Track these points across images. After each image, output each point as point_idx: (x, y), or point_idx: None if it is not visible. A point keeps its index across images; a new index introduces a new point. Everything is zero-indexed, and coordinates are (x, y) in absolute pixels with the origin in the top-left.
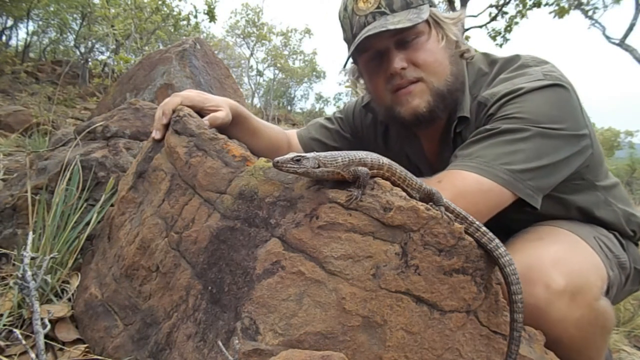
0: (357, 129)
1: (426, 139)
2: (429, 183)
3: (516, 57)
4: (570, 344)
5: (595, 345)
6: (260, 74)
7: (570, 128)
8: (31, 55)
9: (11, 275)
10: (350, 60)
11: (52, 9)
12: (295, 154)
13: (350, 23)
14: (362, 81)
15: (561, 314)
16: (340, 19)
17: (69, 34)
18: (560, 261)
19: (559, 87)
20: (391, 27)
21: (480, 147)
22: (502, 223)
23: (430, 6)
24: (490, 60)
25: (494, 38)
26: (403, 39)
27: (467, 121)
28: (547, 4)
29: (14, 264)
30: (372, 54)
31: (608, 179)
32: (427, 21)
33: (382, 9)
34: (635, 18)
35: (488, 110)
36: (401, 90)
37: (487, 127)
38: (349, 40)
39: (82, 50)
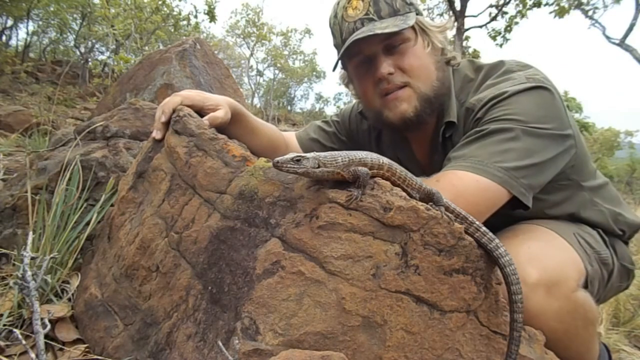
0: (353, 133)
1: (416, 143)
2: (427, 184)
3: (500, 63)
4: (553, 337)
5: (581, 338)
6: (260, 74)
7: (555, 128)
8: (31, 55)
9: (11, 275)
10: (340, 66)
11: (52, 9)
12: (295, 154)
13: (340, 29)
14: (351, 87)
15: (539, 307)
16: (330, 25)
17: (69, 34)
18: (534, 256)
19: (542, 89)
20: (379, 31)
21: (472, 148)
22: (490, 223)
23: (417, 14)
24: (476, 66)
25: (494, 38)
26: (390, 44)
27: (455, 126)
28: (547, 3)
29: (14, 264)
30: (361, 59)
31: (596, 179)
32: (413, 28)
33: (371, 16)
34: (635, 18)
35: (475, 115)
36: (389, 95)
37: (477, 129)
38: (338, 45)
39: (82, 50)
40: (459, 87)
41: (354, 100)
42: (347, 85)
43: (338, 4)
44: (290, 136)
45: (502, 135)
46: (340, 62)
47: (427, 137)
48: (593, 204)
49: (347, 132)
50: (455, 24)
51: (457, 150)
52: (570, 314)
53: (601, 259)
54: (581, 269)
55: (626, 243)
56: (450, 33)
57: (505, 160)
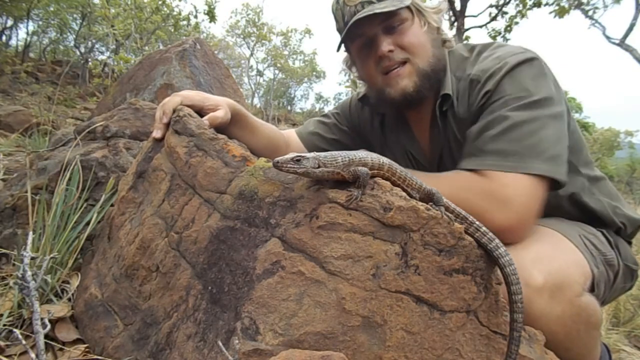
0: (355, 121)
1: (416, 124)
2: (480, 183)
3: (491, 43)
4: (554, 341)
5: (582, 342)
6: (260, 74)
7: (560, 99)
8: (31, 55)
9: (11, 275)
10: (343, 49)
11: (52, 9)
12: (295, 154)
13: (342, 13)
14: (354, 69)
15: (541, 310)
16: (333, 10)
17: (69, 34)
18: (540, 259)
19: (538, 60)
20: (378, 10)
21: (506, 142)
22: None
23: None
24: (470, 47)
25: (494, 38)
26: (390, 25)
27: (450, 99)
28: (547, 3)
29: (14, 264)
30: (362, 41)
31: (592, 170)
32: (410, 9)
33: None
34: (635, 18)
35: (483, 87)
36: (391, 72)
37: (500, 115)
38: (341, 29)
39: (82, 50)
40: (455, 66)
41: (353, 93)
42: (349, 68)
43: None
44: (290, 133)
45: (533, 125)
46: (343, 45)
47: (427, 116)
48: (591, 192)
49: (349, 121)
50: (455, 21)
51: (491, 144)
52: (573, 318)
53: (607, 261)
54: (587, 271)
55: (629, 243)
56: (451, 33)
57: (545, 151)
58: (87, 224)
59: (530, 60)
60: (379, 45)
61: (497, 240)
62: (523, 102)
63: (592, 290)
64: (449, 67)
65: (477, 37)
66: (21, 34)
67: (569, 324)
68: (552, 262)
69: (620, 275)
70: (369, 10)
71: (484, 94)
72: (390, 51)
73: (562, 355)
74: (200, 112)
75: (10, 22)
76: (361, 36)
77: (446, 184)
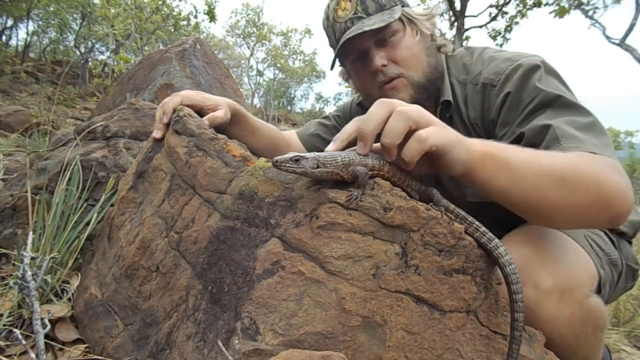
0: None
1: None
2: (619, 171)
3: (490, 48)
4: (562, 343)
5: (589, 344)
6: (260, 74)
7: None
8: (31, 55)
9: (11, 275)
10: (339, 64)
11: (52, 9)
12: (295, 154)
13: (333, 30)
14: (351, 81)
15: (551, 313)
16: (324, 27)
17: (69, 34)
18: (549, 261)
19: (547, 63)
20: (367, 28)
21: (581, 134)
22: (494, 215)
23: (403, 6)
24: (471, 51)
25: (494, 38)
26: (381, 38)
27: (451, 105)
28: (547, 3)
29: (14, 264)
30: (356, 55)
31: None
32: (401, 20)
33: (359, 14)
34: (635, 18)
35: (501, 90)
36: (386, 85)
37: (558, 109)
38: (334, 45)
39: (82, 50)
40: (457, 70)
41: (354, 96)
42: (347, 80)
43: (328, 6)
44: (291, 134)
45: (583, 119)
46: (338, 60)
47: None
48: None
49: None
50: (455, 21)
51: (581, 132)
52: (581, 320)
53: (611, 261)
54: (594, 273)
55: (630, 243)
56: (451, 33)
57: (608, 145)
58: (87, 224)
59: (542, 63)
60: (372, 60)
61: (496, 240)
62: (553, 93)
63: (598, 291)
64: (447, 73)
65: (477, 37)
66: (21, 34)
67: (578, 327)
68: (561, 263)
69: (623, 276)
70: (358, 28)
71: (505, 96)
72: (384, 65)
73: (569, 358)
74: (200, 112)
75: (10, 22)
76: (354, 50)
77: (586, 161)
